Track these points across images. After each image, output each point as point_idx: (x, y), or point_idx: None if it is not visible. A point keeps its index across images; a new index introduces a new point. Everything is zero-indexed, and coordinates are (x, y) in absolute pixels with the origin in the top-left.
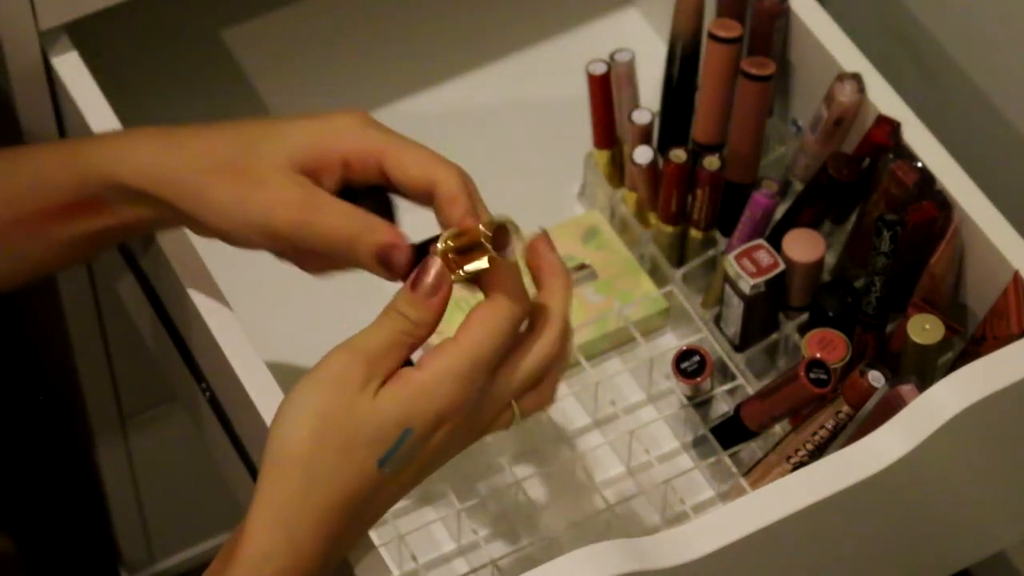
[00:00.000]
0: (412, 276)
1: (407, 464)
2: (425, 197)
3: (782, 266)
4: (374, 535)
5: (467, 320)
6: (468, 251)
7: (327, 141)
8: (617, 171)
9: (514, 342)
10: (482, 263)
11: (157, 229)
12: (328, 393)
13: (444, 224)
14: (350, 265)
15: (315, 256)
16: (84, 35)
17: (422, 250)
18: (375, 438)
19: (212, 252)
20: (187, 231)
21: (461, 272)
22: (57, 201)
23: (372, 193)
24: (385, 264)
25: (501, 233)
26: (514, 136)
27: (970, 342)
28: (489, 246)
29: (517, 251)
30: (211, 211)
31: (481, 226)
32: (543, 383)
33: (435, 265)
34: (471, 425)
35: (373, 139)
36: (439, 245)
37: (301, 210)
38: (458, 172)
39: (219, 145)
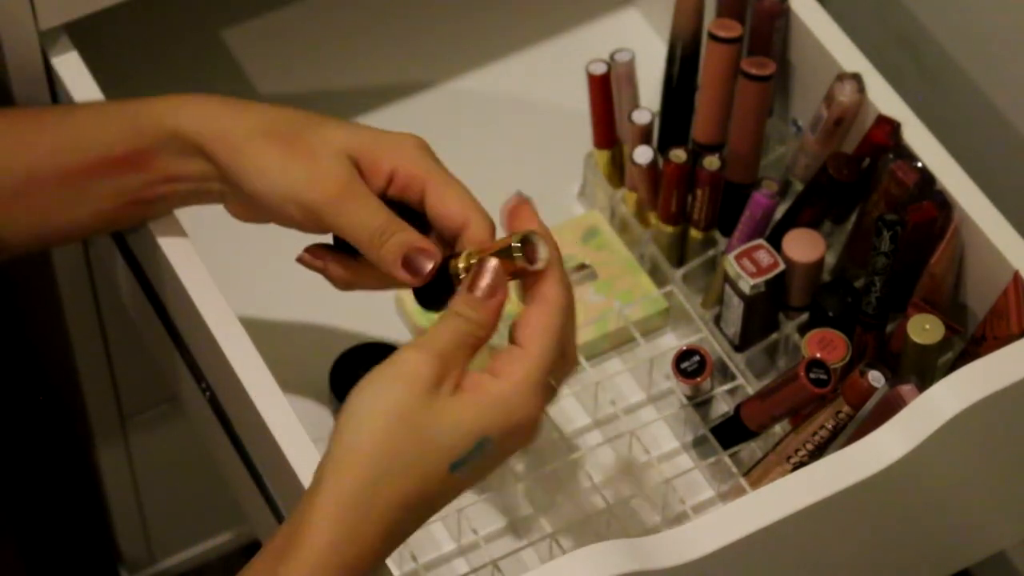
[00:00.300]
0: (469, 279)
1: (479, 468)
2: (450, 232)
3: (782, 266)
4: None
5: (529, 325)
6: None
7: (384, 149)
8: (617, 171)
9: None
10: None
11: (197, 198)
12: (401, 391)
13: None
14: (370, 266)
15: (343, 264)
16: (84, 35)
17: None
18: (450, 443)
19: (212, 252)
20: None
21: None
22: (109, 152)
23: (408, 213)
24: (409, 266)
25: (529, 247)
26: (514, 136)
27: (970, 342)
28: (519, 254)
29: (542, 261)
30: (254, 171)
31: (512, 241)
32: (567, 349)
33: (492, 267)
34: (535, 428)
35: (426, 164)
36: (461, 262)
37: (342, 190)
38: (491, 221)
39: (280, 117)
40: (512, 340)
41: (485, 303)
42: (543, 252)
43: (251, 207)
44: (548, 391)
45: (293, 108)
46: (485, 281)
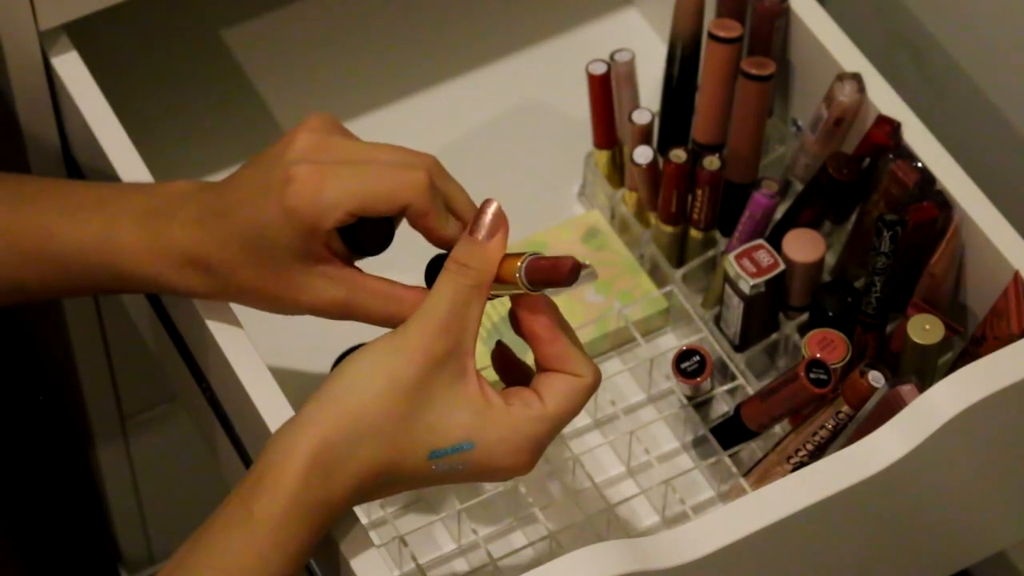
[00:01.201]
0: (470, 224)
1: (454, 475)
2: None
3: (782, 266)
4: (374, 535)
5: (561, 390)
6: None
7: (397, 194)
8: (617, 171)
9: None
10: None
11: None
12: (404, 359)
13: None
14: None
15: None
16: (84, 35)
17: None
18: (436, 428)
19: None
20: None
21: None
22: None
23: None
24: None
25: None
26: (514, 136)
27: (970, 342)
28: (522, 267)
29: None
30: (251, 300)
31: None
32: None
33: (492, 206)
34: (521, 467)
35: (435, 201)
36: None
37: (342, 309)
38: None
39: (210, 193)
40: (533, 384)
41: (485, 246)
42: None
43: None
44: (541, 450)
45: (253, 175)
46: (485, 222)
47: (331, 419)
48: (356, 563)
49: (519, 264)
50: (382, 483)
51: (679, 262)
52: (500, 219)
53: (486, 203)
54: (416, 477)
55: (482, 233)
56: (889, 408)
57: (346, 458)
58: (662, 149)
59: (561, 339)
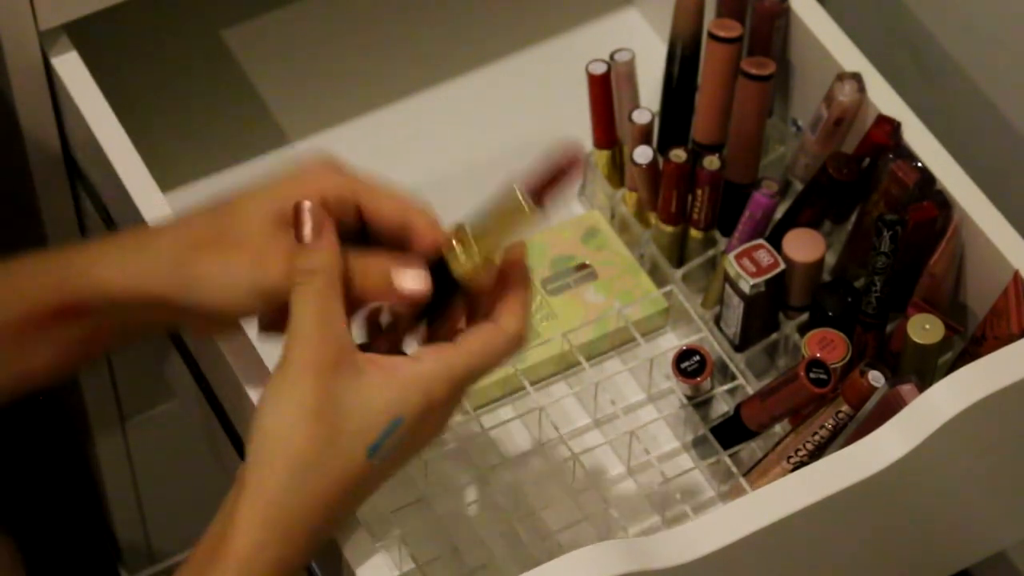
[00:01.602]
0: (294, 232)
1: (395, 453)
2: (393, 234)
3: (782, 266)
4: (374, 535)
5: (472, 334)
6: (486, 221)
7: (303, 186)
8: (617, 171)
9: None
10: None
11: (150, 331)
12: (303, 383)
13: (424, 246)
14: None
15: None
16: (84, 35)
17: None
18: (362, 426)
19: None
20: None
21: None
22: (40, 309)
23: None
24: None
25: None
26: (514, 136)
27: (970, 342)
28: (521, 193)
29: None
30: (200, 289)
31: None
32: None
33: (306, 208)
34: (443, 424)
35: (348, 178)
36: (455, 246)
37: (287, 256)
38: (431, 212)
39: (194, 224)
40: (441, 334)
41: (317, 244)
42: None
43: (209, 323)
44: (461, 396)
45: (205, 204)
46: (306, 224)
47: (269, 474)
48: (356, 563)
49: (516, 192)
50: (337, 510)
51: (679, 262)
52: (317, 214)
53: (297, 205)
54: (368, 482)
55: (307, 235)
56: (889, 408)
57: (295, 506)
58: (662, 149)
59: (514, 291)
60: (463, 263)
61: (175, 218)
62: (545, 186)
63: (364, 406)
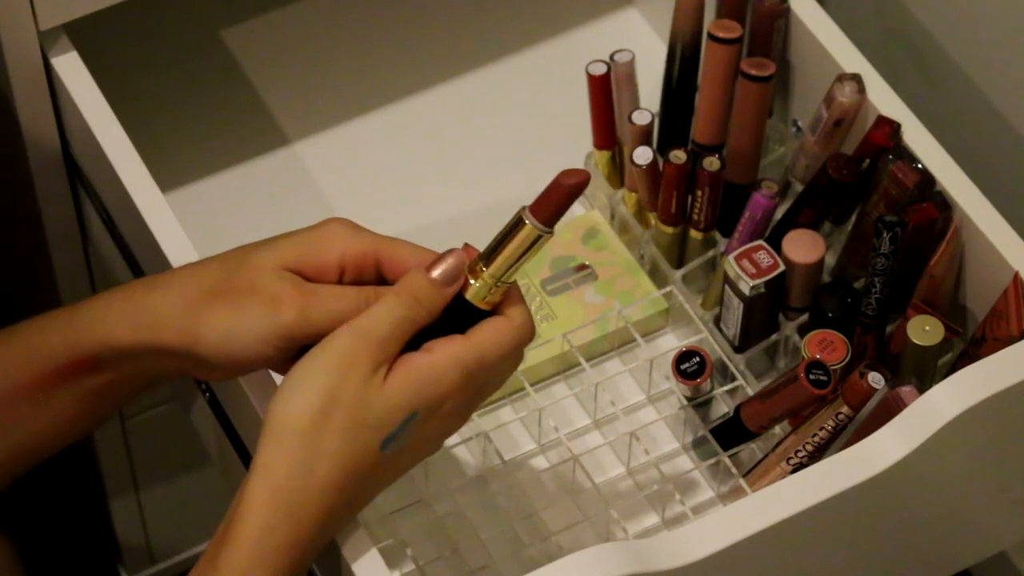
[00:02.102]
0: (430, 262)
1: (406, 446)
2: None
3: (782, 267)
4: (374, 535)
5: (481, 326)
6: (499, 251)
7: (321, 247)
8: (617, 171)
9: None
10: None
11: (158, 381)
12: (336, 375)
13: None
14: None
15: None
16: (84, 35)
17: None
18: (380, 423)
19: (210, 249)
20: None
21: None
22: (52, 365)
23: None
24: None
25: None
26: (514, 136)
27: (970, 343)
28: (529, 217)
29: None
30: (211, 340)
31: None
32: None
33: (456, 254)
34: (462, 416)
35: (367, 240)
36: (470, 275)
37: (300, 301)
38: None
39: (205, 273)
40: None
41: (441, 289)
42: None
43: (223, 372)
44: (476, 388)
45: (217, 254)
46: (445, 266)
47: (278, 455)
48: (356, 563)
49: (522, 217)
50: (348, 496)
51: (679, 263)
52: (460, 271)
53: (452, 252)
54: (380, 474)
55: (440, 276)
56: (889, 409)
57: (304, 488)
58: (662, 150)
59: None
60: (478, 291)
61: (183, 268)
62: (552, 205)
63: (386, 404)
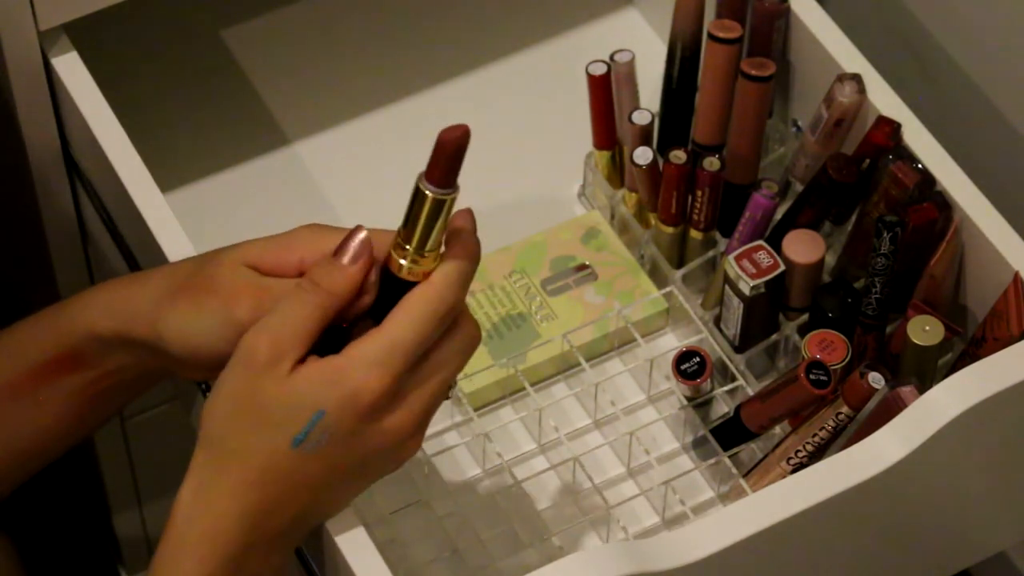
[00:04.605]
0: (338, 246)
1: (327, 446)
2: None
3: (782, 267)
4: (374, 535)
5: (395, 307)
6: (412, 227)
7: (282, 247)
8: (617, 171)
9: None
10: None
11: (145, 380)
12: (237, 374)
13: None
14: None
15: None
16: (84, 35)
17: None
18: (285, 418)
19: (210, 249)
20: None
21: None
22: (39, 362)
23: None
24: (345, 253)
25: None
26: (514, 136)
27: (970, 343)
28: (425, 184)
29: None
30: (174, 333)
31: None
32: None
33: (360, 234)
34: (412, 409)
35: (331, 241)
36: (394, 251)
37: (254, 297)
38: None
39: (178, 269)
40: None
41: (343, 269)
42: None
43: (193, 369)
44: (387, 367)
45: (192, 256)
46: (352, 245)
47: (199, 456)
48: (355, 563)
49: (419, 187)
50: (270, 494)
51: (679, 263)
52: (366, 247)
53: (355, 229)
54: (303, 471)
55: (346, 257)
56: (889, 410)
57: (218, 482)
58: (662, 150)
59: (449, 253)
60: (400, 265)
61: (164, 265)
62: (442, 165)
63: (287, 399)
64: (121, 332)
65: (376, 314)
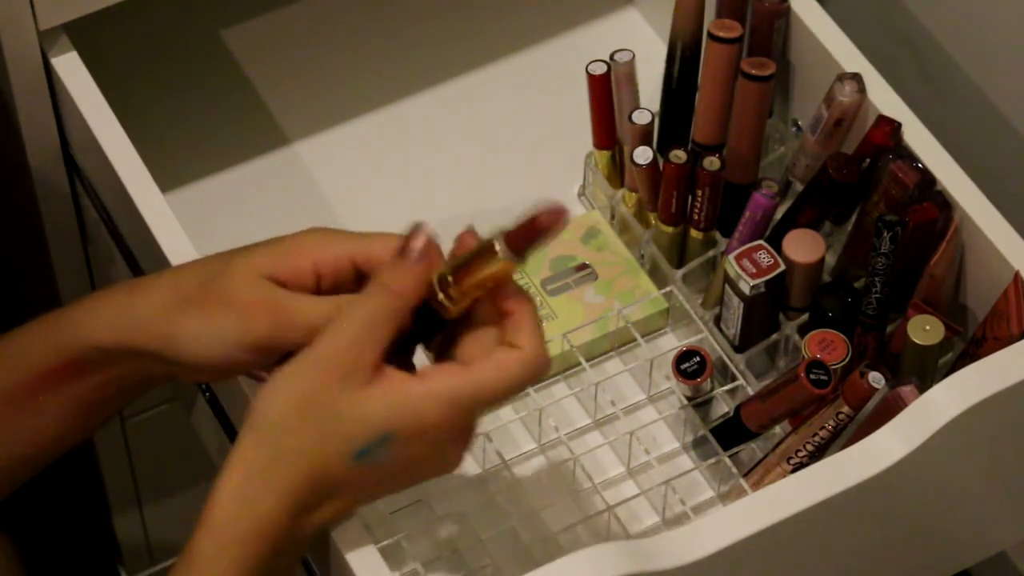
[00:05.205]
0: (400, 243)
1: (385, 463)
2: None
3: (782, 267)
4: (374, 535)
5: (488, 358)
6: (467, 268)
7: (292, 254)
8: (617, 171)
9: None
10: (493, 264)
11: (147, 385)
12: (312, 376)
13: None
14: None
15: None
16: (84, 35)
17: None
18: (353, 432)
19: (210, 249)
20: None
21: (470, 284)
22: (40, 370)
23: None
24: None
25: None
26: (514, 136)
27: (970, 343)
28: (501, 245)
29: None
30: (186, 344)
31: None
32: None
33: (424, 232)
34: (458, 446)
35: (340, 246)
36: (436, 279)
37: (273, 310)
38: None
39: (184, 279)
40: (455, 353)
41: (411, 267)
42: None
43: (200, 375)
44: (468, 423)
45: (196, 259)
46: (415, 243)
47: (251, 447)
48: (356, 563)
49: (494, 242)
50: (319, 498)
51: (679, 262)
52: (431, 246)
53: (418, 227)
54: (356, 482)
55: (413, 251)
56: (889, 409)
57: (269, 481)
58: (662, 150)
59: (519, 309)
60: (442, 301)
61: (165, 272)
62: (526, 239)
63: (359, 414)
64: (124, 342)
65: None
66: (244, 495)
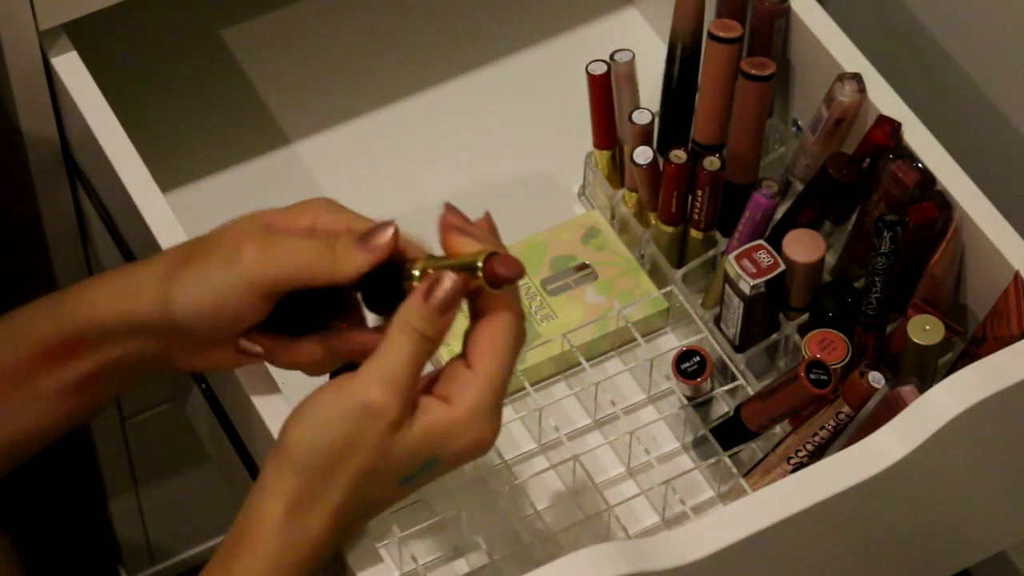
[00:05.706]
0: (423, 287)
1: (424, 480)
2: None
3: (782, 266)
4: (374, 535)
5: (480, 349)
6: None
7: (296, 211)
8: (617, 171)
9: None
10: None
11: (145, 367)
12: (364, 423)
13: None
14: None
15: (283, 345)
16: (84, 35)
17: (389, 273)
18: (401, 465)
19: None
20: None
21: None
22: (38, 348)
23: (325, 295)
24: (368, 242)
25: (489, 266)
26: (514, 136)
27: (970, 343)
28: (481, 275)
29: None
30: (180, 300)
31: (477, 259)
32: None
33: (451, 280)
34: (491, 433)
35: (344, 216)
36: (417, 267)
37: (259, 245)
38: (425, 248)
39: (181, 248)
40: (463, 360)
41: (441, 318)
42: (505, 272)
43: (199, 346)
44: (499, 411)
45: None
46: (442, 294)
47: (297, 484)
48: (357, 564)
49: (478, 264)
50: (361, 518)
51: (679, 262)
52: (459, 295)
53: (445, 276)
54: (396, 499)
55: (441, 304)
56: (889, 409)
57: (319, 514)
58: (662, 149)
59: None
60: (411, 284)
61: (169, 248)
62: (504, 274)
63: (405, 452)
64: (124, 312)
65: (366, 292)
66: (295, 524)
